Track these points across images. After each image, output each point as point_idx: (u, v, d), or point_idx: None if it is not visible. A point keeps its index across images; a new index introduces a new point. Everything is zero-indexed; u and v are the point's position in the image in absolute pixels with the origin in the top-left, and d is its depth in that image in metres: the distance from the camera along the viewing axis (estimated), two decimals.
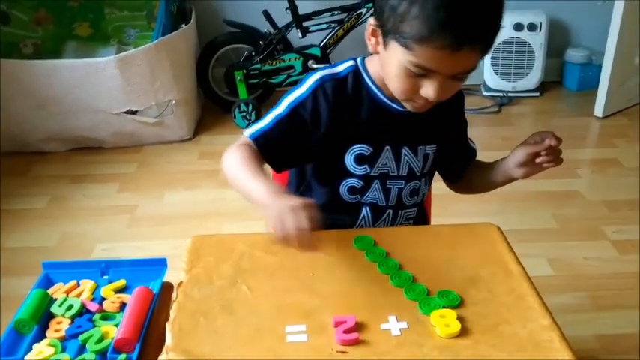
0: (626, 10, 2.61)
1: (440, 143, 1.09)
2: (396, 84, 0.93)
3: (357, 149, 1.03)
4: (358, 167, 1.04)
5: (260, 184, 0.88)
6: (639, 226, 2.05)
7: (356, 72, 1.02)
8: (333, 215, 1.06)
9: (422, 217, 1.18)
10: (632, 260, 1.90)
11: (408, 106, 0.97)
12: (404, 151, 1.04)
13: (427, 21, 0.82)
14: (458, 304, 0.83)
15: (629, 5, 2.61)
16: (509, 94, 3.06)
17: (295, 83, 3.22)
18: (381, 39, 0.91)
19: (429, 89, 0.89)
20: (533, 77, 3.05)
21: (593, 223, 2.10)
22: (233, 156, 0.96)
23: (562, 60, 3.18)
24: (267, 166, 1.01)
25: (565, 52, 3.16)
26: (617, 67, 2.74)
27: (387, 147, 1.03)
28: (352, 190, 1.06)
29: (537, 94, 3.11)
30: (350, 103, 1.01)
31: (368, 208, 1.08)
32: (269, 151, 0.99)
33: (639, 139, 2.65)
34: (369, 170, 1.04)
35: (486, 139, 2.75)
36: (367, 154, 1.03)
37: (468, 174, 1.18)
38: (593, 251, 1.96)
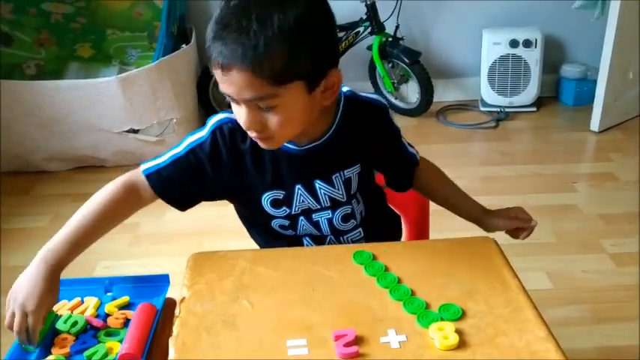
0: (620, 26, 2.65)
1: (364, 161, 1.05)
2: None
3: (269, 195, 1.02)
4: (277, 210, 1.03)
5: (54, 241, 0.94)
6: (639, 239, 2.07)
7: None
8: (282, 247, 1.07)
9: (382, 231, 1.14)
10: (630, 273, 1.91)
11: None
12: (317, 185, 1.02)
13: (207, 38, 0.84)
14: (459, 317, 0.85)
15: (623, 21, 2.65)
16: (507, 110, 3.09)
17: None
18: None
19: (240, 119, 0.89)
20: (529, 93, 3.09)
21: (591, 236, 2.11)
22: (98, 195, 1.00)
23: (558, 75, 3.22)
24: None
25: (561, 67, 3.19)
26: (611, 82, 2.77)
27: (298, 186, 1.02)
28: (283, 227, 1.06)
29: (534, 109, 3.14)
30: (250, 148, 0.98)
31: (308, 238, 1.08)
32: (162, 188, 0.99)
33: (639, 152, 2.67)
34: (288, 211, 1.03)
35: (484, 154, 2.79)
36: (281, 197, 1.02)
37: (426, 184, 1.16)
38: (592, 264, 1.97)
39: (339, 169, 1.03)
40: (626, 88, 2.91)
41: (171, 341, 0.82)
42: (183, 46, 2.71)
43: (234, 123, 0.96)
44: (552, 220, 2.20)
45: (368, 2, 2.83)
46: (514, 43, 2.98)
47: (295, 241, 1.08)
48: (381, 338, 0.81)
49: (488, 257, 0.98)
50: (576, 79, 3.14)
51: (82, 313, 0.91)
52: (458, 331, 0.81)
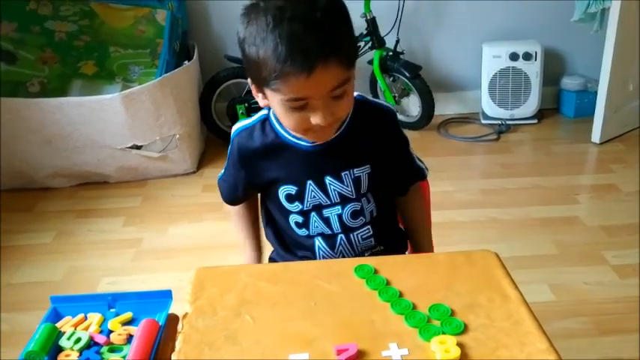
0: (619, 39, 2.66)
1: (374, 163, 1.10)
2: (288, 123, 0.99)
3: (284, 190, 1.10)
4: (291, 205, 1.11)
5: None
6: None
7: (265, 120, 1.09)
8: (298, 254, 1.15)
9: (390, 232, 1.21)
10: (632, 284, 1.91)
11: (313, 139, 1.02)
12: (327, 181, 1.09)
13: (273, 60, 0.87)
14: (461, 330, 0.85)
15: (622, 34, 2.66)
16: (508, 122, 3.11)
17: None
18: (260, 92, 0.98)
19: (315, 116, 0.93)
20: (530, 105, 3.10)
21: (593, 248, 2.11)
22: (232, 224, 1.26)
23: (558, 88, 3.24)
24: None
25: (561, 80, 3.21)
26: (612, 94, 2.79)
27: (310, 182, 1.08)
28: (298, 225, 1.13)
29: (535, 121, 3.15)
30: (262, 149, 1.08)
31: (320, 239, 1.13)
32: (231, 200, 1.21)
33: (639, 163, 2.68)
34: (301, 206, 1.10)
35: (486, 167, 2.79)
36: (293, 192, 1.09)
37: (407, 202, 1.22)
38: (594, 276, 1.96)
39: (349, 167, 1.09)
40: (627, 100, 2.92)
41: (173, 357, 0.82)
42: (186, 62, 2.74)
43: (244, 130, 1.10)
44: (554, 232, 2.20)
45: (368, 17, 2.86)
46: (514, 56, 3.01)
47: (310, 243, 1.13)
48: (383, 352, 0.81)
49: (488, 269, 0.99)
50: (576, 91, 3.16)
51: (86, 329, 0.92)
52: (459, 345, 0.82)
